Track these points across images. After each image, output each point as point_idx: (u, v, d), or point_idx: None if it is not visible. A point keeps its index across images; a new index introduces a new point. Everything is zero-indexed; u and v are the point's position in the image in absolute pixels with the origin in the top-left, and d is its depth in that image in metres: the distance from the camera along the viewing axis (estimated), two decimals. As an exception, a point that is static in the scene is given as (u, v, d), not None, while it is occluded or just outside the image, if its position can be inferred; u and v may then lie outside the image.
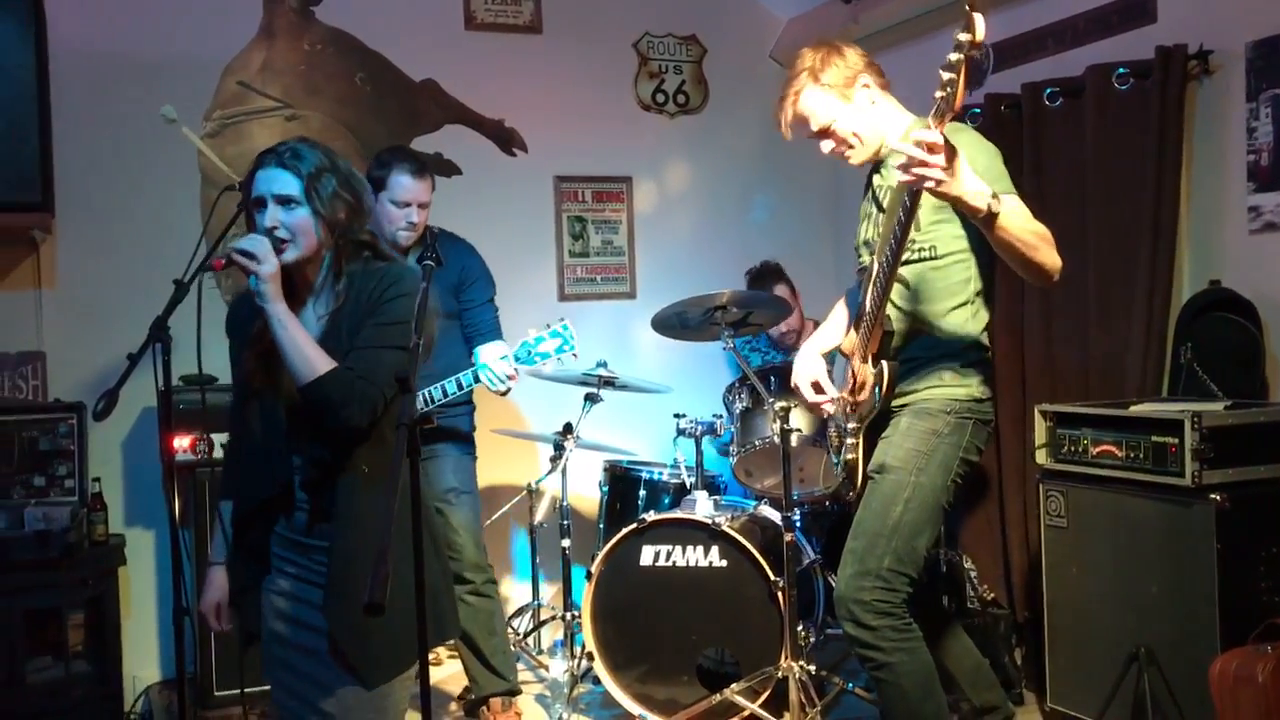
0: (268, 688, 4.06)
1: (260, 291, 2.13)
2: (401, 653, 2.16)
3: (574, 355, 3.32)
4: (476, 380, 3.42)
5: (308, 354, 2.14)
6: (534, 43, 5.08)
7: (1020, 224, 2.57)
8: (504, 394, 3.45)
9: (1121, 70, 3.77)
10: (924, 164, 2.35)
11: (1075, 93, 3.98)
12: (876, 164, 3.02)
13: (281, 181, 2.19)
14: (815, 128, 2.95)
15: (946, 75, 2.22)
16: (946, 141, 2.34)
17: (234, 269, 2.18)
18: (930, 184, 2.40)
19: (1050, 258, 2.65)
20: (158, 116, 4.45)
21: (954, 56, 2.21)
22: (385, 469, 2.08)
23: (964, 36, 2.20)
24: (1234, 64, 3.57)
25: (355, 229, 2.27)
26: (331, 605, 2.16)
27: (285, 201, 2.19)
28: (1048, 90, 4.06)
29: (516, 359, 3.31)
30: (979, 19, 2.18)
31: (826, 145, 2.98)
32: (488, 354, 3.60)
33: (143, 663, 4.36)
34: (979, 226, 2.58)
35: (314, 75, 4.72)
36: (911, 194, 2.54)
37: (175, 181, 4.48)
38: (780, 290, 4.71)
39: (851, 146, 2.95)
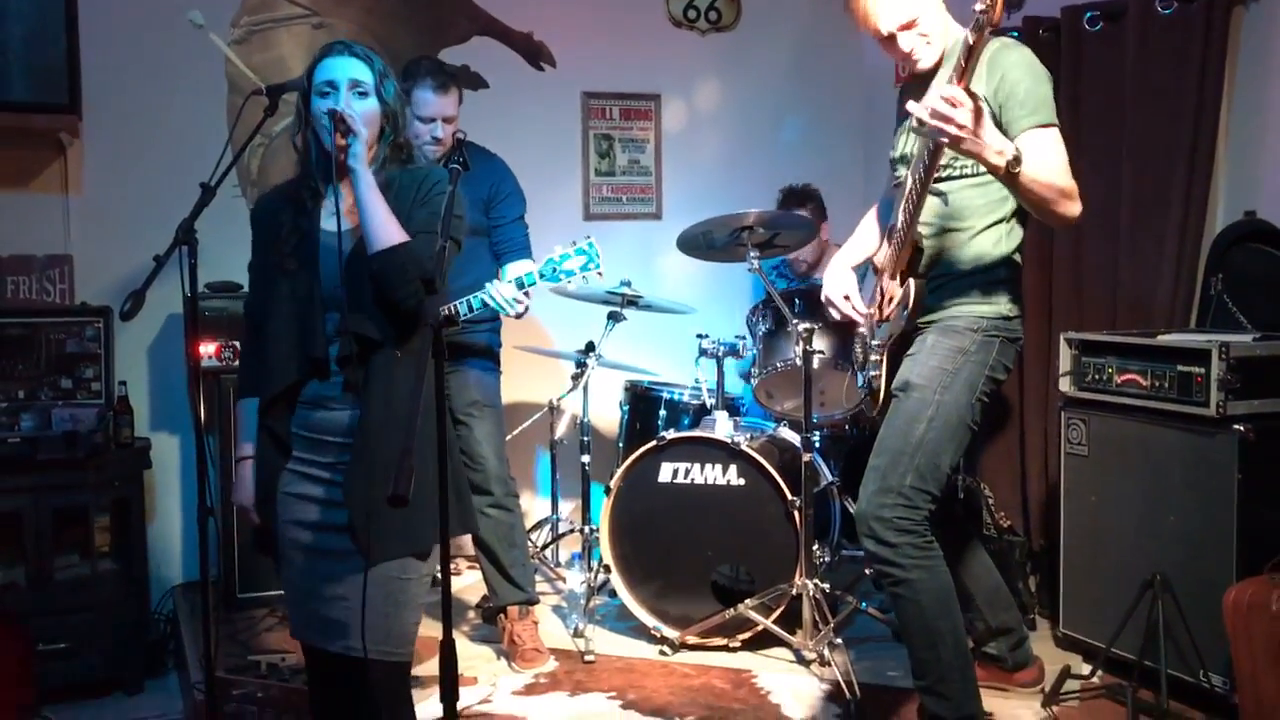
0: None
1: (356, 152, 2.23)
2: (417, 534, 2.22)
3: (599, 274, 3.30)
4: (484, 304, 3.41)
5: (386, 222, 2.22)
6: (565, -46, 5.00)
7: (1040, 180, 2.58)
8: (518, 317, 3.45)
9: (1166, -7, 3.70)
10: (948, 119, 2.36)
11: (1116, 16, 3.90)
12: (903, 87, 2.97)
13: (357, 69, 2.31)
14: (903, 19, 2.79)
15: (971, 37, 2.19)
16: (973, 98, 2.32)
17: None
18: (947, 140, 2.42)
19: (1067, 209, 2.66)
20: (185, 22, 4.42)
21: (979, 18, 2.17)
22: (415, 360, 2.14)
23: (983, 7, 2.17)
24: (1282, -11, 3.49)
25: (400, 133, 2.37)
26: (353, 480, 2.21)
27: (357, 86, 2.29)
28: (1088, 14, 3.98)
29: (541, 275, 3.30)
30: None
31: (907, 39, 2.82)
32: (514, 271, 3.59)
33: (166, 564, 4.45)
34: (995, 177, 2.58)
35: (342, -18, 4.68)
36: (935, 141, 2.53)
37: (202, 88, 4.47)
38: (803, 213, 4.67)
39: (930, 44, 2.84)
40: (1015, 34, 4.22)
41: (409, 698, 2.40)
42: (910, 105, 2.56)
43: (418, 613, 2.34)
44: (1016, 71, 2.70)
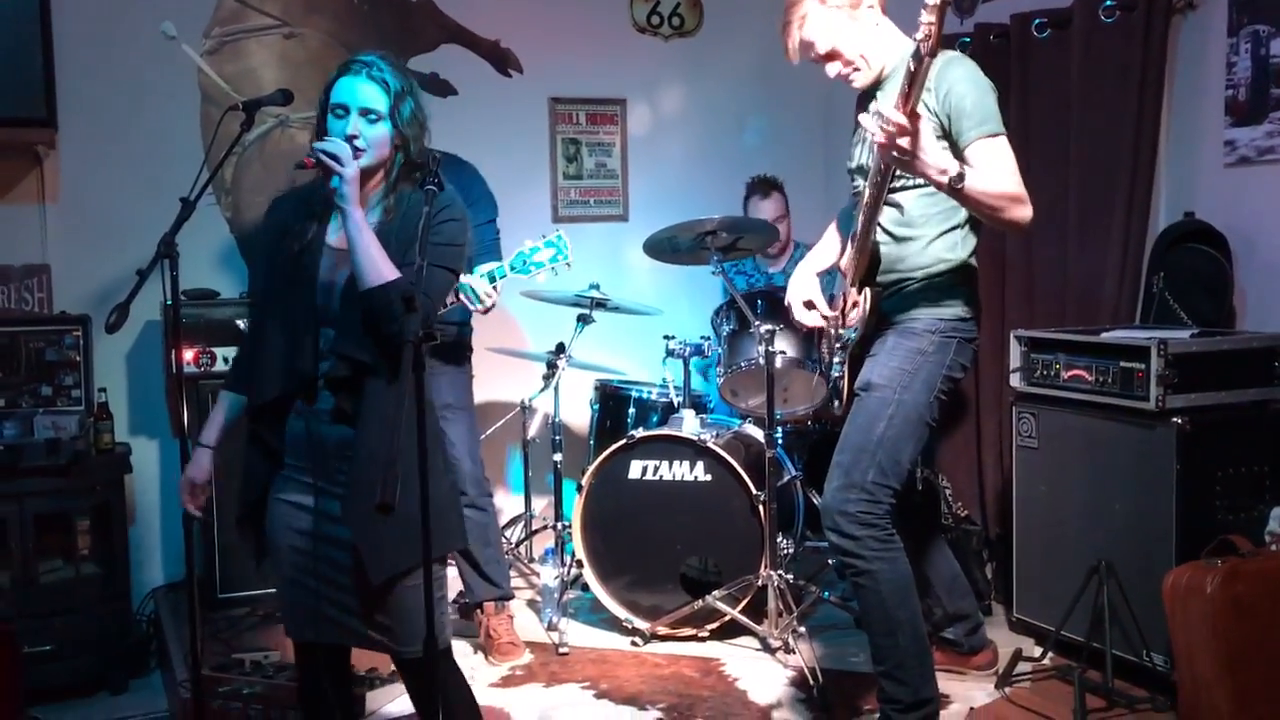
0: (271, 590, 4.24)
1: (343, 193, 2.24)
2: (413, 552, 2.28)
3: (568, 265, 3.34)
4: (457, 297, 3.46)
5: (376, 259, 2.23)
6: (530, -37, 5.10)
7: (985, 190, 2.68)
8: (485, 312, 3.50)
9: (1109, 2, 3.83)
10: (889, 143, 2.49)
11: (1063, 24, 4.04)
12: (861, 98, 3.07)
13: (369, 95, 2.30)
14: (823, 50, 2.93)
15: (926, 18, 2.30)
16: (912, 121, 2.46)
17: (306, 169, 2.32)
18: (889, 157, 2.55)
19: (1017, 214, 2.75)
20: (158, 34, 4.48)
21: (932, 1, 2.28)
22: (404, 383, 2.19)
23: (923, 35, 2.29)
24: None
25: (416, 152, 2.37)
26: (350, 510, 2.28)
27: (368, 114, 2.29)
28: (1036, 21, 4.12)
29: (512, 268, 3.33)
30: None
31: (833, 69, 2.97)
32: (485, 270, 3.66)
33: (147, 566, 4.52)
34: (940, 191, 2.71)
35: (312, -7, 4.75)
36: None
37: (175, 98, 4.53)
38: (765, 203, 4.79)
39: (858, 69, 2.95)
40: (967, 40, 4.37)
41: (453, 680, 2.51)
42: (861, 118, 2.67)
43: (440, 605, 2.42)
44: (962, 85, 2.81)
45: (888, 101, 2.58)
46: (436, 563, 2.36)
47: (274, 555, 2.46)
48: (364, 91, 2.30)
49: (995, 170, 2.74)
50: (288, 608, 2.48)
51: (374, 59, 2.34)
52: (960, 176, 2.61)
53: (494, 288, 3.41)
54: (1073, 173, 4.00)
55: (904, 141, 2.50)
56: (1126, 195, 3.80)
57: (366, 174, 2.33)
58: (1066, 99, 4.01)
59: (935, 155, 2.60)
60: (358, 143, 2.29)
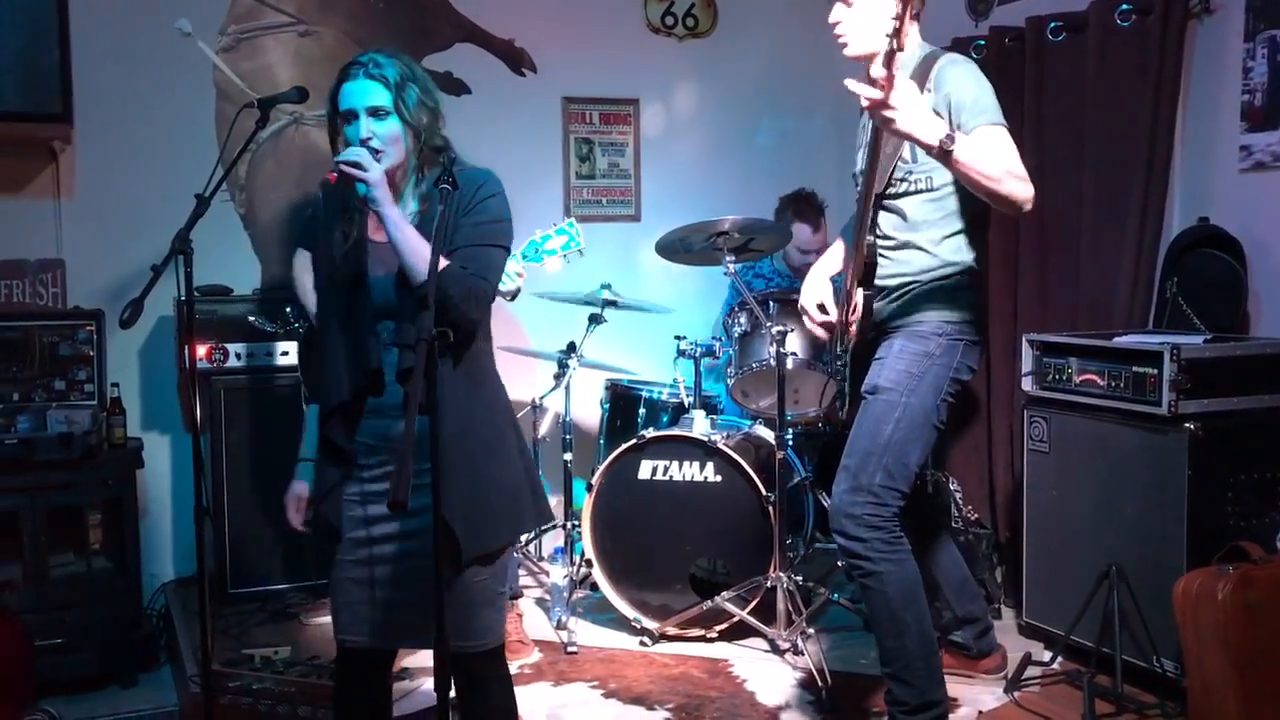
0: (280, 586, 4.27)
1: (374, 198, 2.23)
2: (501, 527, 2.39)
3: (580, 252, 3.31)
4: None
5: (423, 253, 2.21)
6: (546, -38, 5.11)
7: (979, 158, 2.67)
8: (512, 297, 3.43)
9: (1125, 6, 3.82)
10: (872, 101, 2.50)
11: (1078, 28, 4.03)
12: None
13: (371, 93, 2.29)
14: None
15: (890, 25, 2.35)
16: (888, 80, 2.46)
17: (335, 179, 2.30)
18: (878, 119, 2.56)
19: (1017, 190, 2.73)
20: (174, 30, 4.50)
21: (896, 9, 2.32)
22: (473, 363, 2.36)
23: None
24: (1234, 4, 3.62)
25: (434, 135, 2.37)
26: (445, 487, 2.20)
27: (376, 112, 2.29)
28: (1051, 24, 4.11)
29: (524, 256, 3.31)
30: None
31: (838, 10, 2.97)
32: None
33: (158, 561, 4.53)
34: (937, 160, 2.70)
35: (327, -10, 4.77)
36: (874, 130, 2.67)
37: (191, 95, 4.55)
38: (813, 235, 4.75)
39: (857, 40, 2.95)
40: (982, 42, 4.37)
41: (503, 675, 2.54)
42: (848, 82, 2.63)
43: (497, 602, 2.44)
44: (961, 81, 2.84)
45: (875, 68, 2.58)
46: (486, 561, 2.39)
47: (337, 554, 2.44)
48: (366, 91, 2.30)
49: (997, 148, 2.74)
50: (342, 610, 2.44)
51: (370, 56, 2.32)
52: (950, 138, 2.60)
53: (520, 269, 3.36)
54: (1087, 176, 3.99)
55: (883, 98, 2.50)
56: (1141, 200, 3.79)
57: (391, 171, 2.33)
58: (1081, 102, 4.00)
59: (923, 117, 2.60)
60: (374, 143, 2.28)
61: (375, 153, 2.28)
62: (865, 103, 2.54)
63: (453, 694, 2.26)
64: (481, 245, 2.31)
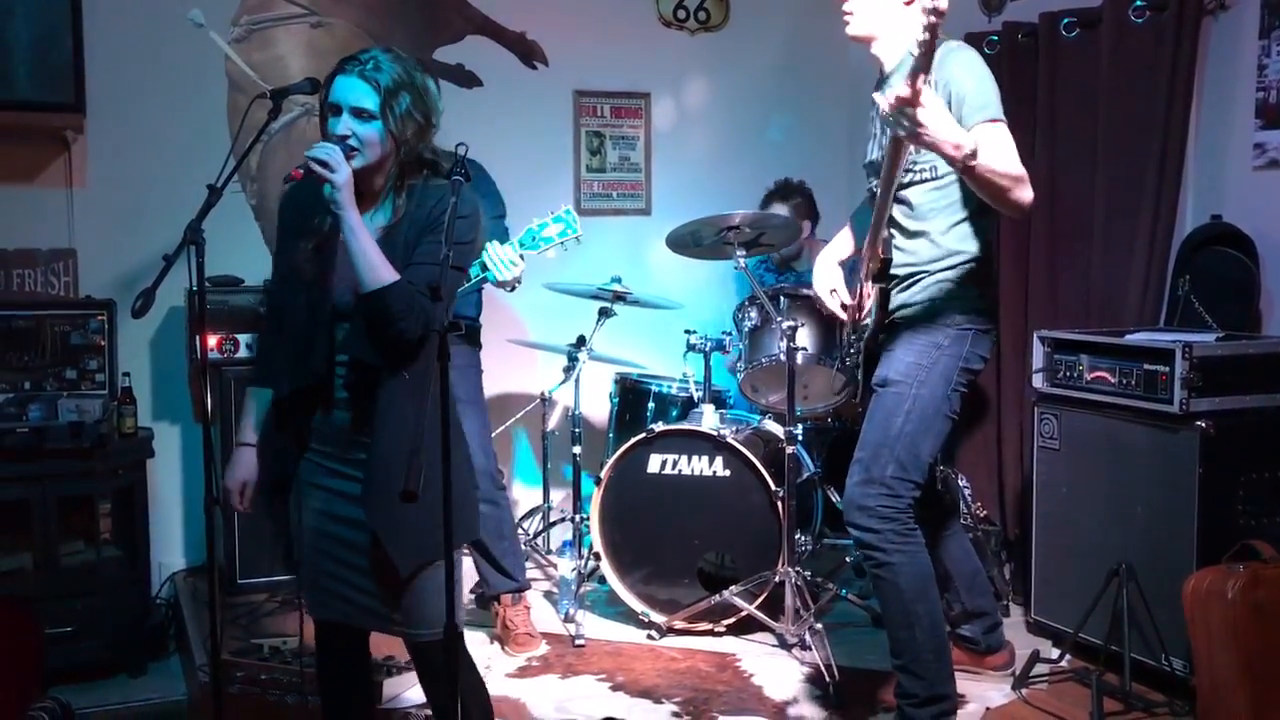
0: (290, 577, 4.27)
1: (335, 199, 2.22)
2: (435, 543, 2.30)
3: (577, 239, 3.30)
4: (484, 269, 3.41)
5: (374, 262, 2.21)
6: (558, -45, 5.10)
7: (994, 168, 2.66)
8: (512, 288, 3.42)
9: (1139, 3, 3.81)
10: (906, 114, 2.47)
11: (1092, 24, 4.02)
12: (879, 81, 3.03)
13: (359, 94, 2.27)
14: None
15: (922, 37, 2.28)
16: (914, 99, 2.43)
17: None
18: (902, 134, 2.53)
19: (1021, 195, 2.74)
20: (186, 21, 4.51)
21: (929, 20, 2.26)
22: (424, 376, 2.20)
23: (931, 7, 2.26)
24: (1249, 1, 3.61)
25: (421, 147, 2.34)
26: (371, 503, 2.30)
27: (359, 113, 2.27)
28: (1065, 20, 4.10)
29: (521, 244, 3.29)
30: None
31: None
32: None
33: (167, 550, 4.55)
34: (959, 173, 2.70)
35: (339, -18, 4.76)
36: (893, 139, 2.65)
37: (202, 86, 4.55)
38: (779, 208, 4.76)
39: (860, 18, 2.94)
40: (995, 38, 4.35)
41: (467, 665, 2.52)
42: (876, 95, 2.65)
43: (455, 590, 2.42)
44: (962, 74, 2.82)
45: (899, 80, 2.56)
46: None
47: (298, 536, 2.48)
48: (356, 90, 2.27)
49: (1000, 151, 2.73)
50: (308, 586, 2.51)
51: (373, 55, 2.31)
52: (974, 153, 2.59)
53: (520, 256, 3.35)
54: (1099, 173, 3.98)
55: (911, 112, 2.47)
56: (1153, 197, 3.77)
57: (368, 172, 2.32)
58: (1094, 99, 3.99)
59: (949, 128, 2.57)
60: (351, 142, 2.27)
61: (350, 152, 2.26)
62: (886, 107, 2.50)
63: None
64: (435, 264, 2.24)
